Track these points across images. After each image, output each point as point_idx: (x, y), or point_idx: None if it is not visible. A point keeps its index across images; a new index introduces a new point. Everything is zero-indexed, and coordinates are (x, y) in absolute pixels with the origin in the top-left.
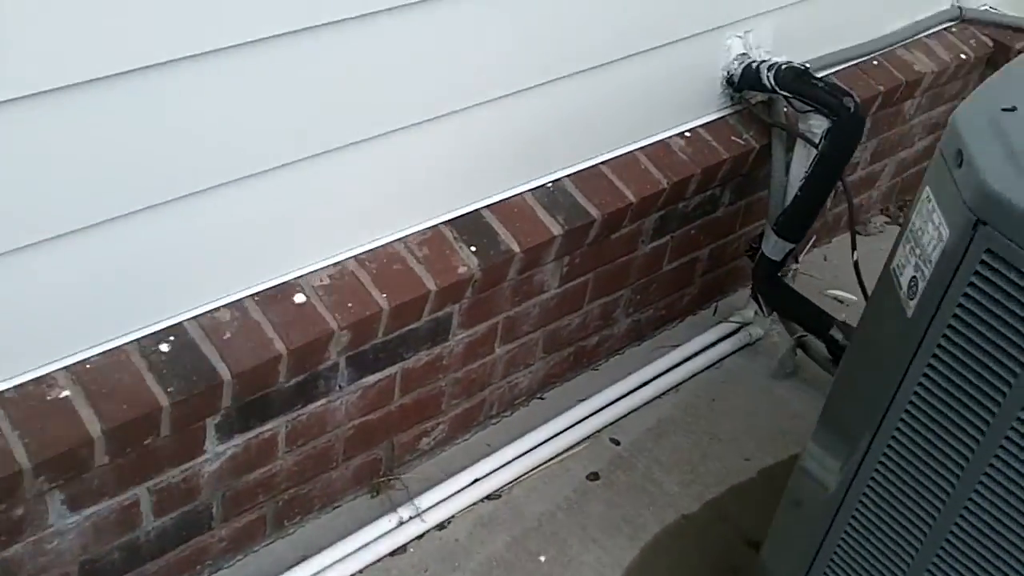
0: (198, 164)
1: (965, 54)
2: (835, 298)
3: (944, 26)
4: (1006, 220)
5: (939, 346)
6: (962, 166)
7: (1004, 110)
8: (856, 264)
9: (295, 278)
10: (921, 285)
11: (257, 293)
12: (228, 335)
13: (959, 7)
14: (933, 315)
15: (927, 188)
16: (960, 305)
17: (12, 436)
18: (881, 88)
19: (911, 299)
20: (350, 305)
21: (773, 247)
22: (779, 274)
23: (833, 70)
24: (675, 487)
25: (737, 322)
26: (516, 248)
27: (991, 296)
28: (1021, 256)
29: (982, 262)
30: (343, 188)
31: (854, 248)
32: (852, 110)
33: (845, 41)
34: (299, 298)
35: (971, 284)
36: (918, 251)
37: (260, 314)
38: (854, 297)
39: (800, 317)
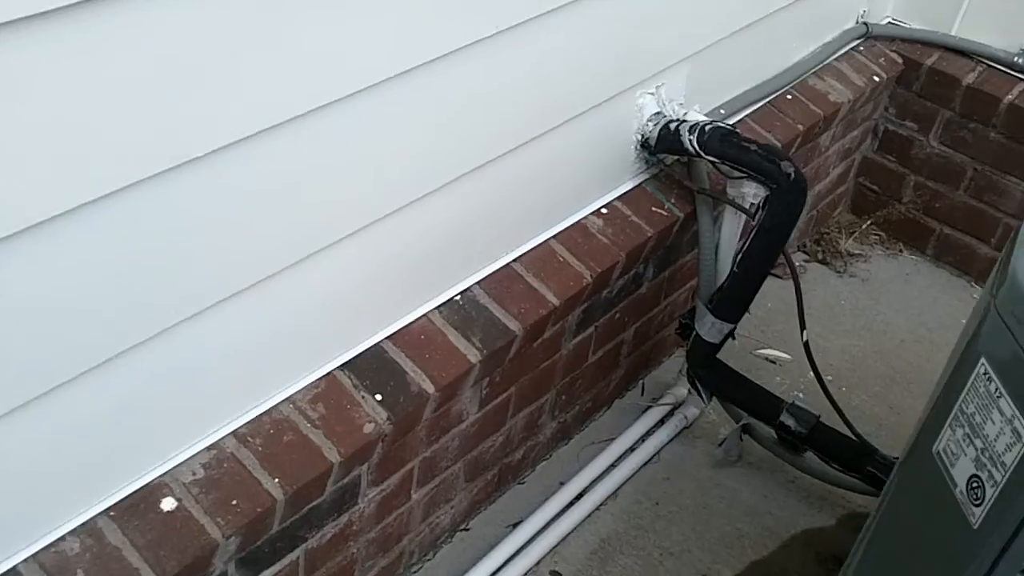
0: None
1: (877, 76)
2: (767, 358)
3: (852, 45)
4: None
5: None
6: None
7: None
8: (807, 345)
9: (160, 476)
10: (990, 491)
11: (113, 507)
12: (80, 573)
13: (865, 23)
14: (1014, 534)
15: (983, 363)
16: None
17: None
18: (801, 127)
19: (975, 504)
20: (234, 502)
21: (710, 329)
22: (717, 356)
23: (749, 111)
24: None
25: (669, 404)
26: (430, 388)
27: None
28: None
29: None
30: (214, 352)
31: (803, 328)
32: (792, 176)
33: (756, 77)
34: (168, 503)
35: None
36: (979, 444)
37: (120, 536)
38: (787, 356)
39: (745, 403)
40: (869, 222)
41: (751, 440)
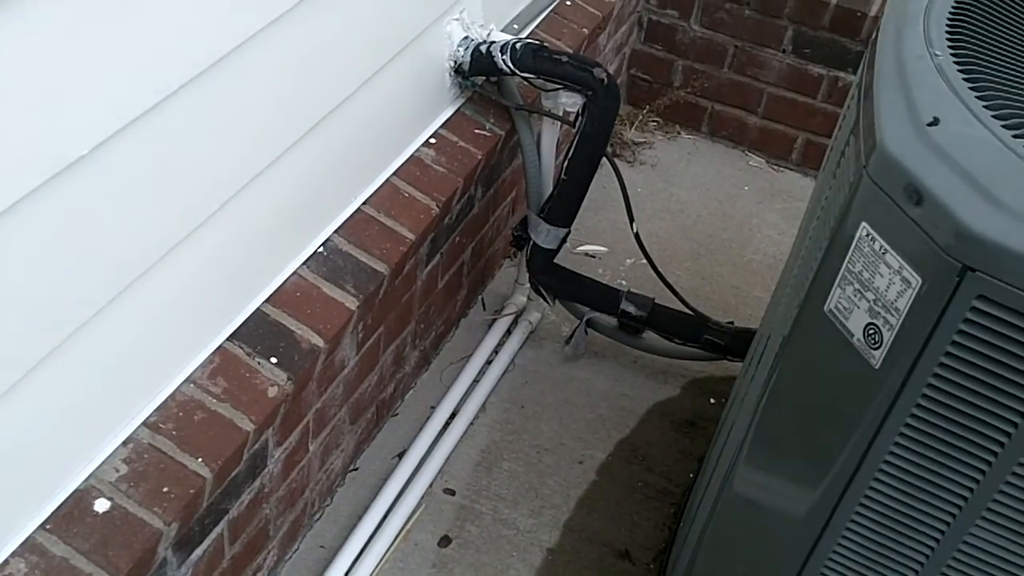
0: None
1: None
2: (586, 253)
3: None
4: (999, 264)
5: (923, 397)
6: (921, 204)
7: (929, 125)
8: (637, 235)
9: (85, 480)
10: (887, 335)
11: (48, 519)
12: None
13: None
14: (911, 367)
15: (864, 226)
16: (948, 353)
17: None
18: (585, 31)
19: (874, 348)
20: (166, 489)
21: (546, 236)
22: (554, 261)
23: (537, 21)
24: (528, 520)
25: (512, 313)
26: (320, 342)
27: (986, 342)
28: (1021, 299)
29: (973, 308)
30: (100, 353)
31: (631, 219)
32: (605, 81)
33: None
34: (101, 504)
35: (960, 331)
36: (871, 296)
37: (63, 546)
38: (604, 248)
39: (588, 299)
40: (647, 110)
41: (594, 332)
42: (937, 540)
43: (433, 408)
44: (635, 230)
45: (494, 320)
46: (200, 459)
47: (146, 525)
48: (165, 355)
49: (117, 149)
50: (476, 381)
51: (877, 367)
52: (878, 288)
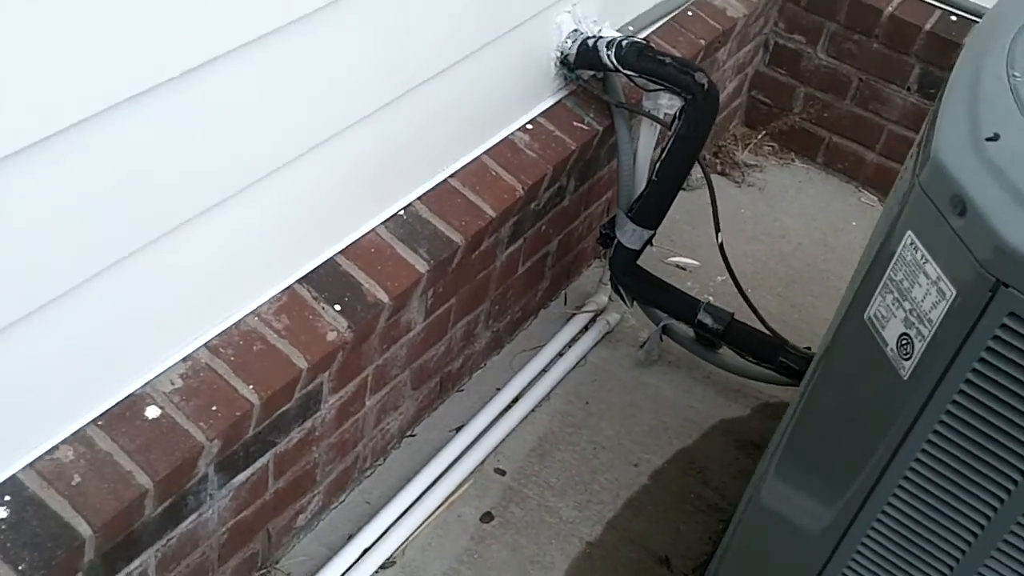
0: (21, 288)
1: None
2: (677, 265)
3: None
4: None
5: (948, 412)
6: (964, 215)
7: (988, 140)
8: (722, 247)
9: (142, 387)
10: (918, 346)
11: (100, 416)
12: (77, 479)
13: None
14: (939, 380)
15: (910, 234)
16: (975, 371)
17: None
18: (703, 41)
19: (905, 359)
20: (215, 408)
21: (631, 236)
22: (638, 262)
23: (655, 27)
24: (572, 512)
25: (592, 311)
26: (384, 297)
27: (1013, 361)
28: None
29: (1003, 326)
30: (180, 271)
31: (718, 230)
32: (706, 86)
33: None
34: (152, 412)
35: (989, 349)
36: (907, 306)
37: (110, 442)
38: (696, 263)
39: (665, 305)
40: (763, 134)
41: (670, 340)
42: (957, 560)
43: (498, 390)
44: (719, 241)
45: (573, 315)
46: (252, 386)
47: (190, 437)
48: (237, 285)
49: (229, 70)
50: (545, 370)
51: (906, 378)
52: (915, 298)
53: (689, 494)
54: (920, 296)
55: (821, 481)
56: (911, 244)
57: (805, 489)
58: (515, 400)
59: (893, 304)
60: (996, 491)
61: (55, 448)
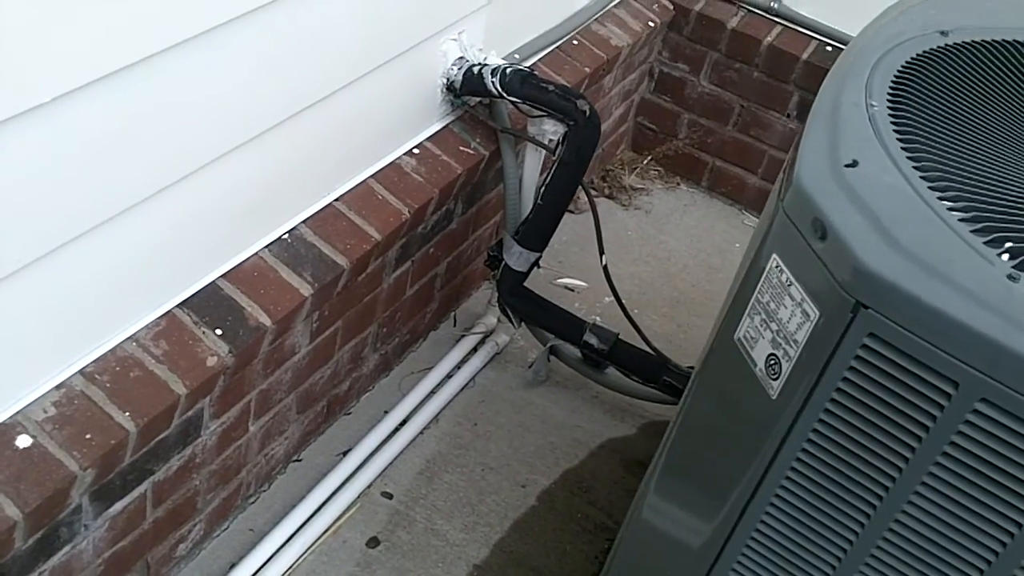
0: None
1: (652, 21)
2: (565, 286)
3: None
4: (890, 303)
5: (815, 431)
6: (825, 239)
7: (847, 166)
8: (606, 269)
9: (12, 415)
10: (785, 366)
11: None
12: None
13: None
14: (806, 399)
15: (775, 258)
16: (839, 390)
17: None
18: (587, 70)
19: (773, 378)
20: (89, 436)
21: (518, 259)
22: (524, 284)
23: (540, 55)
24: (460, 535)
25: (481, 332)
26: (267, 321)
27: (875, 381)
28: (909, 340)
29: (864, 346)
30: (52, 297)
31: (602, 252)
32: (588, 113)
33: (546, 24)
34: (23, 441)
35: (852, 368)
36: (774, 327)
37: None
38: (584, 284)
39: (553, 326)
40: (649, 158)
41: (557, 361)
42: (828, 575)
43: (386, 412)
44: (604, 263)
45: (462, 336)
46: (128, 413)
47: (62, 466)
48: (113, 310)
49: (96, 97)
50: (434, 392)
51: (775, 397)
52: (781, 319)
53: (576, 514)
54: (786, 317)
55: (699, 497)
56: (776, 267)
57: (684, 505)
58: (403, 422)
59: (761, 325)
60: (864, 508)
61: None
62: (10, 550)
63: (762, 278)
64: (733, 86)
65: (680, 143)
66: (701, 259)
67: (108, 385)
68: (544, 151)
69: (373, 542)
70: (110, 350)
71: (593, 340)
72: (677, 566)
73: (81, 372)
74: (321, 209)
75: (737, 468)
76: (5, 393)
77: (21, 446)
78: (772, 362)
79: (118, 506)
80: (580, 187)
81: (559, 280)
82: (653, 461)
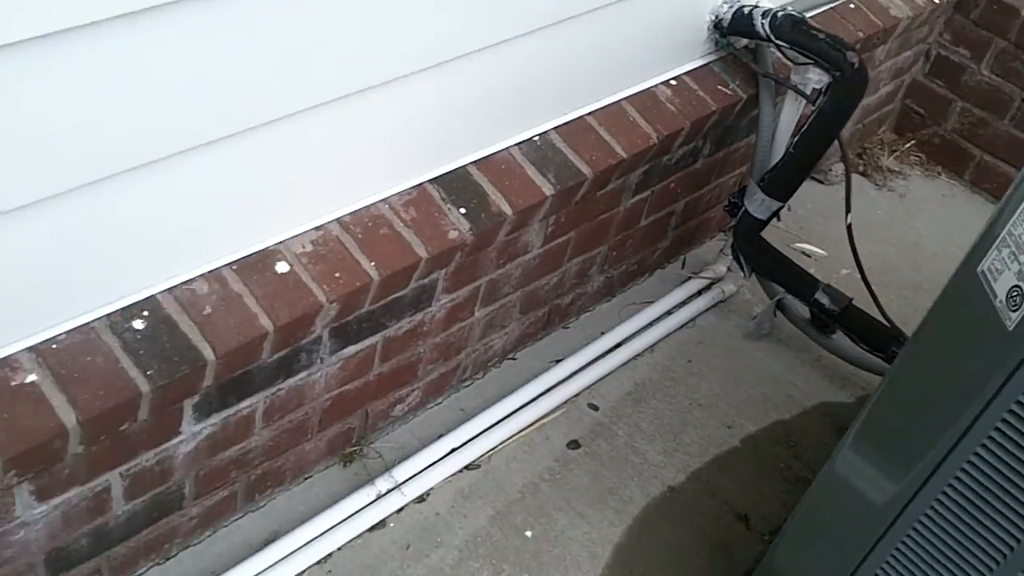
0: (168, 127)
1: None
2: (803, 252)
3: None
4: None
5: None
6: None
7: None
8: (849, 228)
9: (276, 244)
10: None
11: (235, 262)
12: (208, 310)
13: None
14: None
15: None
16: None
17: None
18: (861, 34)
19: (1013, 310)
20: (338, 275)
21: (759, 205)
22: (761, 233)
23: (812, 13)
24: (659, 457)
25: (708, 278)
26: (508, 210)
27: None
28: None
29: None
30: (321, 148)
31: (848, 211)
32: (856, 66)
33: None
34: (282, 267)
35: None
36: (1023, 259)
37: (241, 285)
38: (823, 252)
39: (783, 279)
40: (911, 142)
41: (783, 319)
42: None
43: (603, 333)
44: (848, 221)
45: (688, 279)
46: (373, 263)
47: (312, 295)
48: (373, 171)
49: None
50: (652, 324)
51: (1011, 328)
52: None
53: (779, 463)
54: None
55: (892, 455)
56: None
57: (875, 462)
58: (618, 345)
59: (1009, 258)
60: None
61: (192, 280)
62: (258, 359)
63: (1018, 211)
64: (1017, 78)
65: (947, 131)
66: (952, 252)
67: (360, 236)
68: (804, 102)
69: (574, 444)
70: (365, 207)
71: (824, 300)
72: (859, 520)
73: (338, 220)
74: (572, 120)
75: (945, 410)
76: (272, 224)
77: (280, 271)
78: (1015, 294)
79: (351, 349)
80: (837, 141)
81: (798, 244)
82: (856, 419)
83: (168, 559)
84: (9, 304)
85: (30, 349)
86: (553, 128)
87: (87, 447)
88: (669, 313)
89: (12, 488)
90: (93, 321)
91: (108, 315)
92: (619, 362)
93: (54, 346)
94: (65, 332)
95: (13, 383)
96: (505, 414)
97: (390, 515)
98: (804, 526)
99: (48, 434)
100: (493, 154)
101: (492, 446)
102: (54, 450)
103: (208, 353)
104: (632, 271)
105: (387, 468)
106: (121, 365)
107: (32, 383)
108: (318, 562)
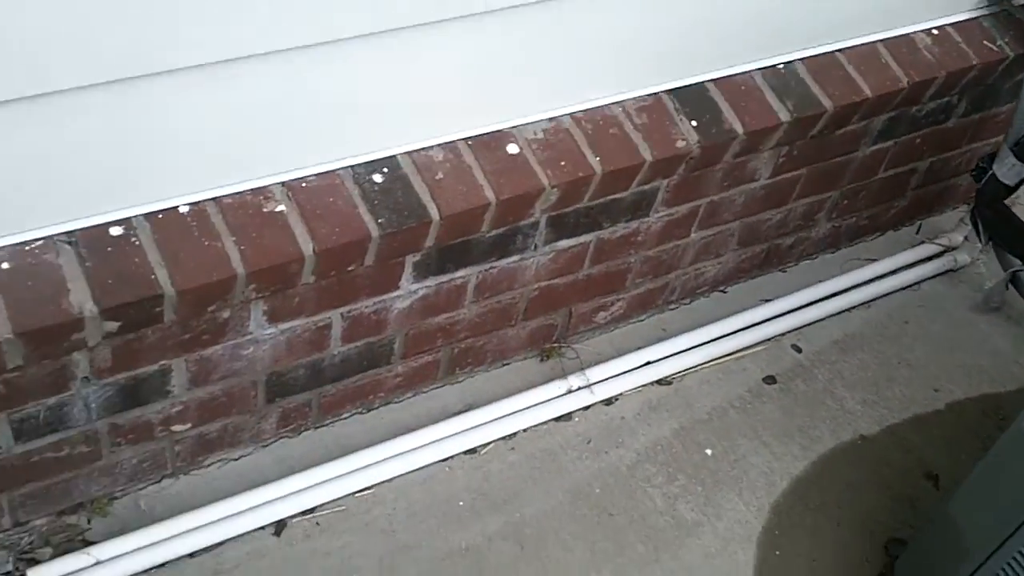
0: None
1: None
2: None
3: None
4: None
5: None
6: None
7: None
8: None
9: (509, 128)
10: None
11: (471, 138)
12: (440, 175)
13: None
14: None
15: None
16: None
17: (229, 242)
18: None
19: None
20: (563, 163)
21: (1008, 171)
22: (1004, 202)
23: None
24: (856, 406)
25: (942, 245)
26: (739, 129)
27: None
28: None
29: None
30: (561, 41)
31: None
32: None
33: None
34: (512, 148)
35: None
36: None
37: (472, 159)
38: None
39: (1021, 252)
40: None
41: (1015, 294)
42: None
43: (820, 282)
44: None
45: (921, 243)
46: (599, 159)
47: (535, 177)
48: (611, 73)
49: None
50: (873, 281)
51: None
52: None
53: (983, 434)
54: None
55: None
56: None
57: None
58: (834, 295)
59: None
60: None
61: (430, 148)
62: (477, 230)
63: None
64: None
65: None
66: None
67: (589, 131)
68: None
69: (770, 380)
70: (599, 107)
71: None
72: None
73: (571, 115)
74: (821, 54)
75: None
76: (506, 108)
77: (509, 152)
78: None
79: (564, 243)
80: None
81: None
82: None
83: (370, 410)
84: (267, 141)
85: (283, 184)
86: (799, 59)
87: (317, 279)
88: (894, 273)
89: (249, 303)
90: (339, 169)
91: (352, 166)
92: (832, 310)
93: (303, 184)
94: (315, 175)
95: (264, 209)
96: (705, 340)
97: (577, 410)
98: (985, 478)
99: (287, 257)
100: (733, 75)
101: (687, 366)
102: (290, 274)
103: (434, 212)
104: (862, 226)
105: (582, 368)
106: (358, 210)
107: (280, 212)
108: (503, 438)
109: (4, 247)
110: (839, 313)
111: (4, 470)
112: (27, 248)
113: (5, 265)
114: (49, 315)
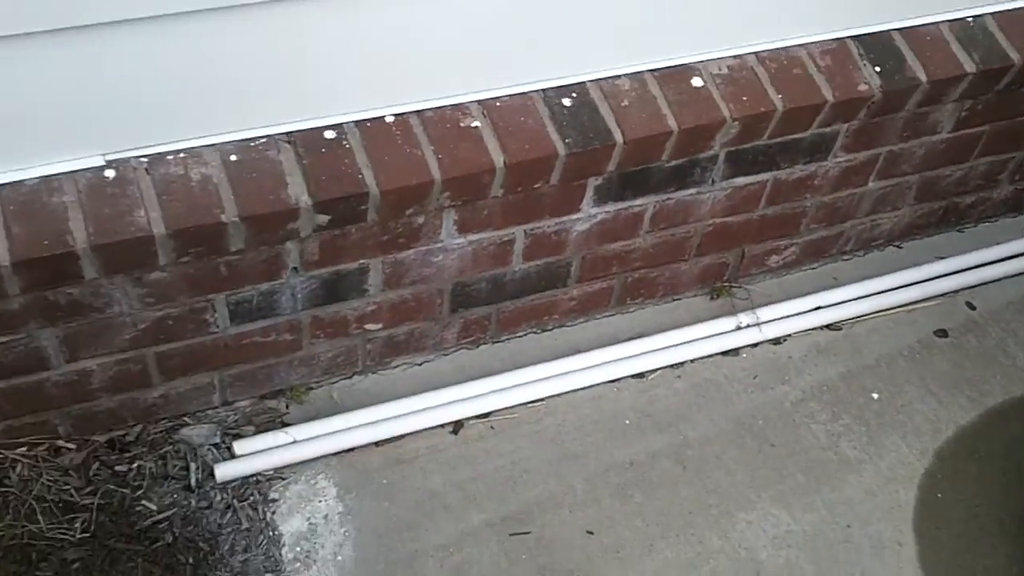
0: None
1: None
2: None
3: None
4: None
5: None
6: None
7: None
8: None
9: (695, 62)
10: None
11: (657, 69)
12: (625, 103)
13: None
14: None
15: None
16: None
17: (428, 151)
18: None
19: None
20: (745, 98)
21: None
22: None
23: None
24: None
25: None
26: (922, 77)
27: None
28: None
29: None
30: None
31: None
32: None
33: None
34: (696, 82)
35: None
36: None
37: (657, 89)
38: None
39: None
40: None
41: None
42: None
43: (999, 243)
44: None
45: None
46: (780, 96)
47: (718, 110)
48: (801, 15)
49: None
50: None
51: None
52: None
53: None
54: None
55: None
56: None
57: None
58: (1012, 256)
59: None
60: None
61: (618, 77)
62: (658, 158)
63: None
64: None
65: None
66: None
67: (773, 70)
68: None
69: (941, 333)
70: (783, 48)
71: None
72: None
73: (756, 54)
74: (1014, 8)
75: None
76: (694, 44)
77: (694, 85)
78: None
79: (741, 180)
80: None
81: None
82: None
83: (544, 331)
84: (465, 62)
85: (479, 102)
86: (990, 13)
87: (505, 193)
88: None
89: (443, 211)
90: (531, 92)
91: (544, 90)
92: (1011, 271)
93: (497, 104)
94: (508, 96)
95: (461, 124)
96: (877, 290)
97: (744, 347)
98: None
99: (480, 167)
100: (920, 26)
101: (858, 314)
102: (481, 185)
103: (618, 136)
104: None
105: (752, 307)
106: (546, 130)
107: (475, 127)
108: (671, 366)
109: (232, 142)
110: (1017, 275)
111: (218, 350)
112: (252, 144)
113: (233, 158)
114: (269, 204)
